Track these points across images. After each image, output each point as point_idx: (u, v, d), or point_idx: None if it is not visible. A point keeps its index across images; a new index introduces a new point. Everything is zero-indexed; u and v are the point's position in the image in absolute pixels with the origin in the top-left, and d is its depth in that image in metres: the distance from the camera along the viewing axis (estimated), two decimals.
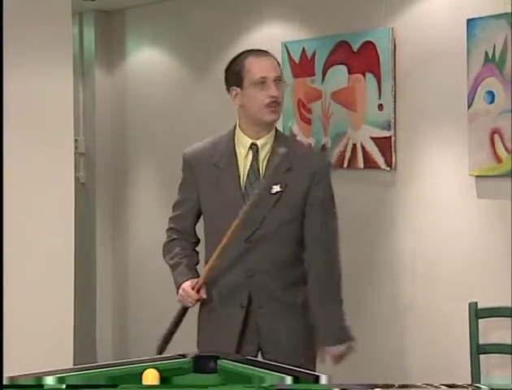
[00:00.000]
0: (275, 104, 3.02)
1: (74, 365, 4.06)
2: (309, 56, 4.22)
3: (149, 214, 5.14)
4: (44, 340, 4.17)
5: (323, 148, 4.10)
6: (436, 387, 2.18)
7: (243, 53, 3.11)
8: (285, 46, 4.33)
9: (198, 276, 3.01)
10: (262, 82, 3.03)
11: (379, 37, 3.87)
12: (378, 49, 3.88)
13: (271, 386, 2.34)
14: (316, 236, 2.98)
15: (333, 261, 3.01)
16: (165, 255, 3.14)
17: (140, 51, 5.31)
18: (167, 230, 3.16)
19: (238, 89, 3.08)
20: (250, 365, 2.54)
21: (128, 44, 5.38)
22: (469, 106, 3.53)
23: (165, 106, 5.11)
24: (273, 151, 3.03)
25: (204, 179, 3.04)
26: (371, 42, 3.91)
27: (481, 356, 3.40)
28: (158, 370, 2.90)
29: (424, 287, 3.78)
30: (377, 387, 2.24)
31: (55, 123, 4.28)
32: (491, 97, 3.47)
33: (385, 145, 3.89)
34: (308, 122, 4.26)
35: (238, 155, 3.05)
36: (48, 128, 4.26)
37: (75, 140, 4.63)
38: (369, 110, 3.94)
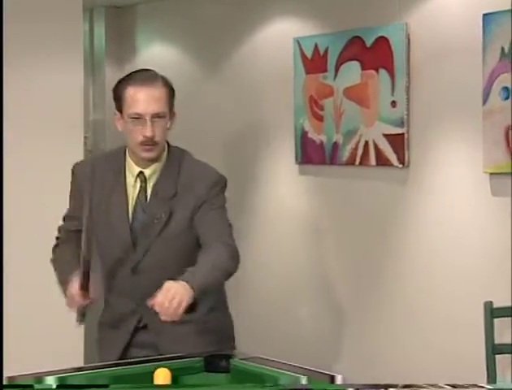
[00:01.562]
0: (151, 143, 2.78)
1: (84, 364, 4.04)
2: (321, 52, 4.17)
3: None
4: (54, 339, 4.15)
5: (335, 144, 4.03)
6: (439, 387, 2.15)
7: (127, 77, 2.86)
8: (297, 42, 4.29)
9: None
10: (138, 118, 2.79)
11: (393, 33, 3.83)
12: (391, 45, 3.83)
13: (286, 386, 2.31)
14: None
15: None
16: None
17: (150, 47, 5.28)
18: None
19: (119, 115, 2.86)
20: (263, 364, 2.51)
21: (138, 40, 5.34)
22: (484, 103, 3.48)
23: (175, 102, 5.06)
24: (160, 178, 2.83)
25: (95, 198, 2.83)
26: (385, 38, 3.86)
27: (497, 356, 3.35)
28: (170, 370, 2.87)
29: (438, 286, 3.73)
30: (390, 387, 2.22)
31: (65, 119, 4.26)
32: (506, 93, 3.42)
33: (398, 142, 3.85)
34: (320, 119, 4.22)
35: (127, 183, 2.86)
36: (57, 125, 4.24)
37: (85, 138, 4.60)
38: (382, 106, 3.90)
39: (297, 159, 4.35)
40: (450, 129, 3.67)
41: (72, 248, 2.87)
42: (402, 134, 3.82)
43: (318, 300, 4.08)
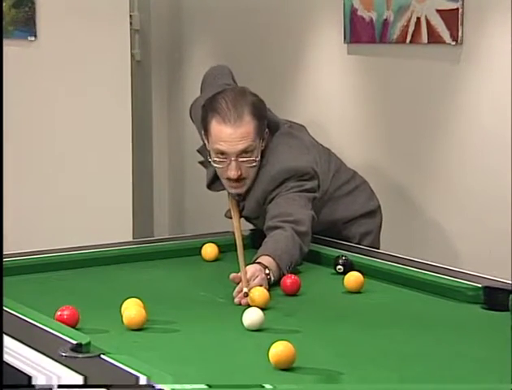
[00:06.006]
0: (238, 181, 2.76)
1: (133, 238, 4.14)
2: None
3: None
4: (103, 219, 4.23)
5: None
6: None
7: (214, 106, 2.76)
8: None
9: None
10: (222, 153, 2.74)
11: None
12: None
13: None
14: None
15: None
16: None
17: None
18: None
19: (205, 136, 2.83)
20: None
21: None
22: None
23: None
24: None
25: None
26: None
27: None
28: (217, 245, 2.90)
29: (490, 168, 3.67)
30: None
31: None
32: None
33: (452, 18, 3.71)
34: None
35: None
36: (103, 4, 4.20)
37: (130, 16, 4.54)
38: None
39: (345, 38, 4.24)
40: (509, 6, 3.52)
41: None
42: (456, 9, 3.69)
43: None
